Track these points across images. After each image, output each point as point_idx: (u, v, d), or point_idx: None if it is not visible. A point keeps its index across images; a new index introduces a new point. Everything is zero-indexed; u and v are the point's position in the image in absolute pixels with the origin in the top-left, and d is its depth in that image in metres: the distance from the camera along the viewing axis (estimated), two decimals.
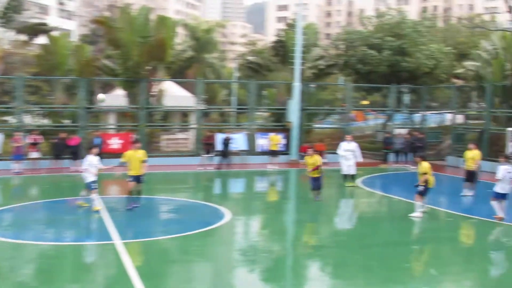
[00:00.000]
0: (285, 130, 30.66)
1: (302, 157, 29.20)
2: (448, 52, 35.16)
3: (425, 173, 15.19)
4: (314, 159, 16.89)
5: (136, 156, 14.90)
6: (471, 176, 18.97)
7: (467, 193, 18.94)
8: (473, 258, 11.49)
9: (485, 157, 27.81)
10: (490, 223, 14.53)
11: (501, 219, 14.52)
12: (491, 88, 27.98)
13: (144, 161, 15.11)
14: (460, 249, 12.53)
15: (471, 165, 18.84)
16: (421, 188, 15.08)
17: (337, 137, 36.66)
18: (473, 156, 18.93)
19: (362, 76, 35.21)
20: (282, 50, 35.67)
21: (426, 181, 15.14)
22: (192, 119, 33.35)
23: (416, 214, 14.99)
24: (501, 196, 14.51)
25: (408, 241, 13.05)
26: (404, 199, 17.87)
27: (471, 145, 19.23)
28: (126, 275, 9.68)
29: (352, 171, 20.38)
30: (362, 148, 35.75)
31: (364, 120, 47.27)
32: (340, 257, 11.24)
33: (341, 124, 35.19)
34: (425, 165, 15.32)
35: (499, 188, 14.46)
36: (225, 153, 26.64)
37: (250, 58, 38.25)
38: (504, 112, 28.86)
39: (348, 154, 19.90)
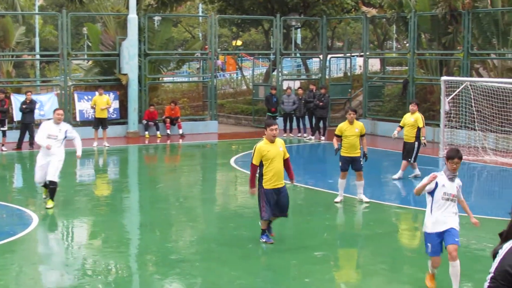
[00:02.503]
0: (117, 87, 30.36)
1: (146, 126, 29.26)
2: None
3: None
4: None
5: None
6: (409, 152, 19.67)
7: (416, 173, 19.68)
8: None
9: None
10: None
11: None
12: (415, 20, 29.61)
13: None
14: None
15: (409, 136, 19.60)
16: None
17: (197, 95, 37.19)
18: (414, 121, 19.49)
19: (232, 3, 35.67)
20: None
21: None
22: None
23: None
24: None
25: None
26: (300, 185, 18.48)
27: (412, 106, 19.87)
28: None
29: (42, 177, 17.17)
30: (236, 111, 36.82)
31: (236, 69, 48.14)
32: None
33: (203, 76, 35.58)
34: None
35: None
36: (26, 125, 25.87)
37: None
38: (433, 53, 30.63)
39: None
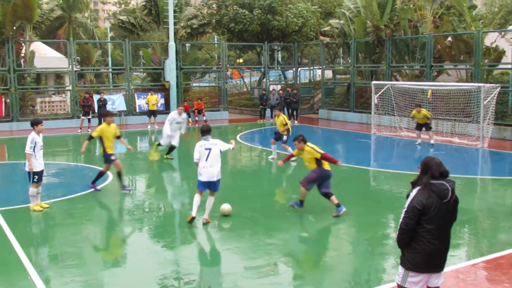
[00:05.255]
0: (163, 90, 30.15)
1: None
2: (314, 10, 36.22)
3: (285, 124, 16.81)
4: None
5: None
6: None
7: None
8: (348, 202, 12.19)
9: (353, 109, 29.48)
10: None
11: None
12: (354, 45, 29.34)
13: None
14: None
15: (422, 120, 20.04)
16: (285, 138, 16.81)
17: (215, 94, 36.98)
18: (423, 116, 19.99)
19: (236, 34, 35.32)
20: (154, 9, 34.73)
21: (287, 130, 16.81)
22: (67, 81, 31.68)
23: (272, 156, 16.98)
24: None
25: (287, 190, 13.56)
26: (282, 152, 18.46)
27: (417, 109, 20.08)
28: (7, 243, 9.14)
29: (175, 142, 17.27)
30: (240, 105, 36.68)
31: (239, 78, 47.85)
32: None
33: (218, 82, 35.32)
34: (282, 118, 17.00)
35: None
36: (101, 115, 25.67)
37: (122, 17, 36.76)
38: (367, 66, 30.50)
39: (176, 126, 17.07)
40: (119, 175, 12.96)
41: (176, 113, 17.01)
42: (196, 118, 29.59)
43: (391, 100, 24.85)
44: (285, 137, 16.87)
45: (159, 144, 17.34)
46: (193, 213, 10.19)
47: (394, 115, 24.79)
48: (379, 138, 23.06)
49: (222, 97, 32.39)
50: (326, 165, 10.77)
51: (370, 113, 25.89)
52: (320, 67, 33.81)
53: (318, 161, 10.72)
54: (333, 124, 28.70)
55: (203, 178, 10.01)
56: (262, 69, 35.12)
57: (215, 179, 10.03)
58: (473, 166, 16.92)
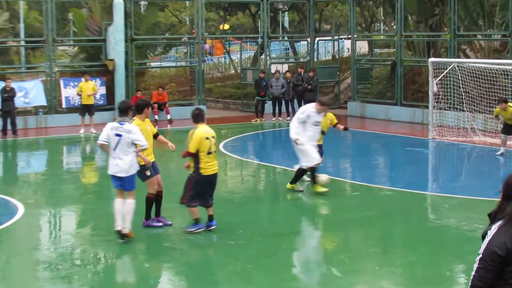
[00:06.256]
0: (104, 72, 30.15)
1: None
2: None
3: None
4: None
5: None
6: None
7: None
8: None
9: (400, 101, 29.59)
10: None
11: None
12: (402, 2, 29.48)
13: None
14: None
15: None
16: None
17: (185, 80, 36.98)
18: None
19: None
20: None
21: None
22: None
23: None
24: None
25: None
26: (291, 169, 18.47)
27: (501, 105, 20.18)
28: None
29: (316, 159, 18.11)
30: (224, 96, 36.68)
31: (224, 54, 47.93)
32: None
33: (191, 61, 35.40)
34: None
35: None
36: (8, 113, 25.59)
37: None
38: (421, 36, 30.58)
39: (314, 130, 16.18)
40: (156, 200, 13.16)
41: (313, 107, 16.31)
42: (156, 117, 29.50)
43: (458, 88, 24.88)
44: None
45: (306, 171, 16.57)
46: (117, 226, 11.84)
47: (463, 111, 24.82)
48: (441, 145, 23.08)
49: (197, 84, 32.40)
50: (208, 166, 12.25)
51: (426, 107, 25.92)
52: (350, 36, 33.87)
53: (195, 158, 12.25)
54: (369, 124, 28.78)
55: (109, 170, 11.97)
56: (260, 40, 35.18)
57: (123, 174, 11.75)
58: None
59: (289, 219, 14.30)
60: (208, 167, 12.29)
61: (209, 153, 12.20)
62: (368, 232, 13.10)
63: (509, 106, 20.05)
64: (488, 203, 14.08)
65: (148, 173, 12.70)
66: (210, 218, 12.61)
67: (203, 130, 12.26)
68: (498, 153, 20.54)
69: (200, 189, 12.33)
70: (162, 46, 37.16)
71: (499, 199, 5.54)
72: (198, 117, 12.46)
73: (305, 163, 15.62)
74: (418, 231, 13.22)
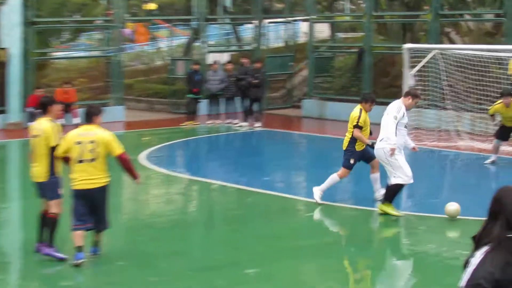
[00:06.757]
0: None
1: (31, 116, 28.71)
2: None
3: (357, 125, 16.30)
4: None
5: None
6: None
7: None
8: None
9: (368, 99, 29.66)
10: None
11: None
12: None
13: None
14: None
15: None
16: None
17: (99, 74, 36.69)
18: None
19: None
20: None
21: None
22: None
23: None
24: None
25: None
26: (231, 185, 18.39)
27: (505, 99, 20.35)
28: None
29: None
30: (149, 94, 36.41)
31: (149, 40, 47.75)
32: None
33: (106, 50, 35.15)
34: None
35: None
36: None
37: None
38: (395, 16, 30.74)
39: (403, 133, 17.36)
40: None
41: (401, 103, 16.07)
42: (62, 121, 29.16)
43: (440, 81, 25.08)
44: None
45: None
46: None
47: (446, 109, 25.07)
48: (418, 152, 23.07)
49: (114, 79, 32.34)
50: (78, 177, 12.25)
51: None
52: (307, 17, 33.98)
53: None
54: (330, 127, 28.97)
55: None
56: (195, 23, 35.15)
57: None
58: None
59: (227, 248, 14.26)
60: (78, 179, 12.19)
61: (80, 161, 12.11)
62: (326, 263, 13.12)
63: None
64: (474, 223, 14.14)
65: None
66: (95, 244, 12.66)
67: (78, 133, 12.30)
68: (488, 161, 20.67)
69: (75, 207, 12.22)
70: (70, 31, 36.88)
71: (485, 220, 5.49)
72: (86, 117, 12.50)
73: (398, 180, 15.29)
74: (388, 260, 13.25)
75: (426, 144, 23.82)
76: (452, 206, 14.67)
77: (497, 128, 20.76)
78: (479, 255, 5.43)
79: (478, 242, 5.51)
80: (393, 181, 15.16)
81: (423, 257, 13.37)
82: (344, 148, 16.31)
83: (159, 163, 22.13)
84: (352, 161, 16.25)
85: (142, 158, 22.53)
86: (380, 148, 15.09)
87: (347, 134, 16.24)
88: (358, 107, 16.18)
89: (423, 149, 23.24)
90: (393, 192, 15.24)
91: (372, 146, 15.87)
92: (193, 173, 21.36)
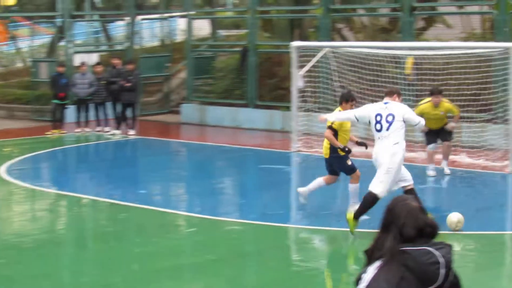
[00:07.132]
0: None
1: None
2: None
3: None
4: None
5: None
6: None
7: None
8: None
9: (252, 102, 29.87)
10: None
11: None
12: None
13: None
14: None
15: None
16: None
17: None
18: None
19: None
20: None
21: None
22: None
23: None
24: None
25: None
26: (103, 199, 18.31)
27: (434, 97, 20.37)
28: None
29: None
30: (8, 100, 35.92)
31: (8, 40, 47.09)
32: None
33: None
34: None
35: None
36: None
37: None
38: (282, 11, 30.96)
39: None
40: None
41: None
42: None
43: (332, 82, 25.33)
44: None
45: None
46: None
47: None
48: (309, 160, 23.39)
49: None
50: None
51: (289, 109, 26.25)
52: (185, 13, 34.01)
53: None
54: (211, 134, 29.21)
55: None
56: (59, 20, 34.86)
57: None
58: (495, 210, 17.66)
59: (99, 269, 14.26)
60: None
61: None
62: (209, 283, 13.18)
63: (444, 101, 20.08)
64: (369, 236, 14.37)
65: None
66: None
67: None
68: (430, 173, 20.54)
69: None
70: None
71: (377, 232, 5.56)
72: None
73: (403, 183, 15.40)
74: (277, 278, 13.29)
75: (318, 151, 23.83)
76: (454, 218, 14.90)
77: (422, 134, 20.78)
78: (372, 270, 5.52)
79: (370, 256, 5.59)
80: (374, 188, 14.99)
81: (314, 275, 13.44)
82: (327, 157, 16.54)
83: (22, 176, 21.92)
84: (350, 162, 16.52)
85: (3, 171, 22.25)
86: (396, 153, 14.88)
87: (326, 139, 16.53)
88: (338, 109, 16.39)
89: (314, 157, 23.31)
90: (369, 205, 15.08)
91: (349, 150, 16.43)
92: (61, 187, 21.15)
